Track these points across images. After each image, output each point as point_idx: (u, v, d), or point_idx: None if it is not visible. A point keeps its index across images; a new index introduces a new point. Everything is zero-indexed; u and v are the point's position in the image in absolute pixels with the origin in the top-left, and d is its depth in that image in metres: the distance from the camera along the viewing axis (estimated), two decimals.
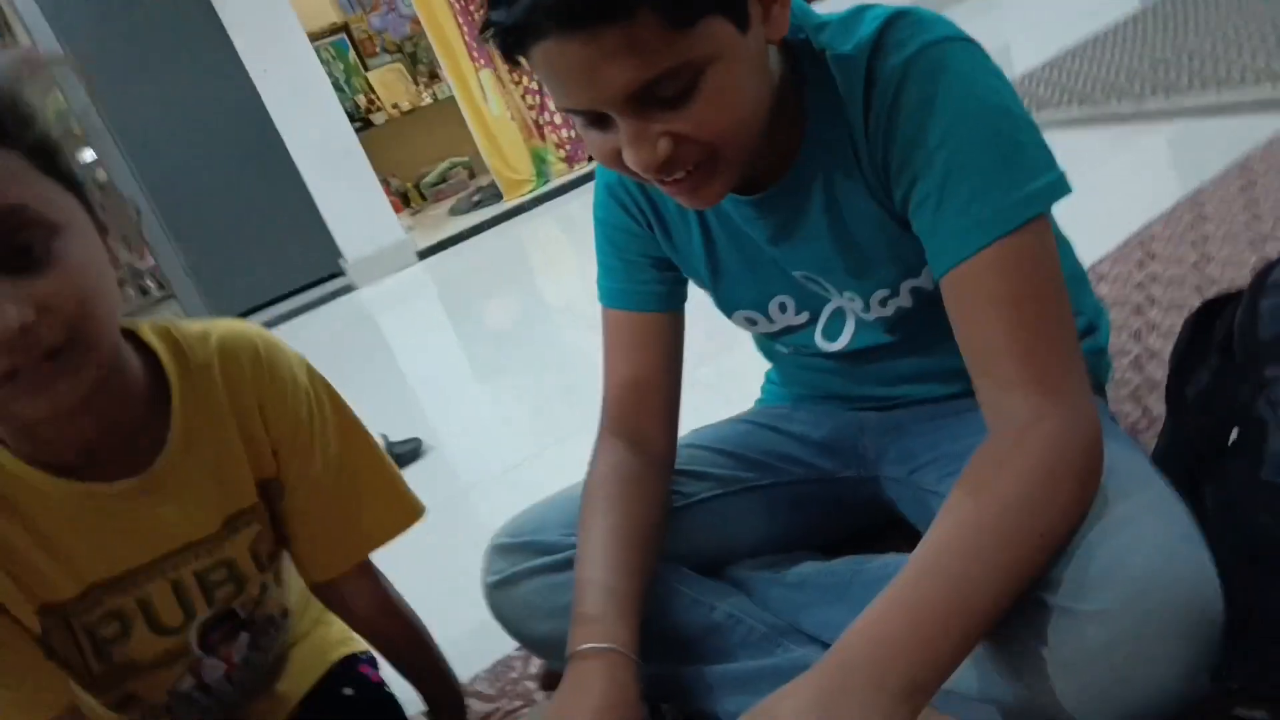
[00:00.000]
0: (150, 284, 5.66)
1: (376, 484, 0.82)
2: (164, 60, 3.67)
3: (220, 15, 3.48)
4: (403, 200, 4.97)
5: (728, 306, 0.88)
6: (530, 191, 4.09)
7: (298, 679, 0.90)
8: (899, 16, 0.69)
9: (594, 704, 0.68)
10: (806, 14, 0.72)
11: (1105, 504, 0.62)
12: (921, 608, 0.58)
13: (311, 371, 0.79)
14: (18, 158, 0.61)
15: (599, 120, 0.65)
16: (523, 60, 0.64)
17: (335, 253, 3.74)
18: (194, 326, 0.75)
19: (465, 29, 3.95)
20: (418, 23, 5.09)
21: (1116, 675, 0.57)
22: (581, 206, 3.78)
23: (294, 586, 0.88)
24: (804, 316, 0.85)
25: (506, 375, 2.19)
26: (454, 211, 4.44)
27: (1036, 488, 0.60)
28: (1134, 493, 0.63)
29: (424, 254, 3.86)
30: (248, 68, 3.51)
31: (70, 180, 0.64)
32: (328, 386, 0.80)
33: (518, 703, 0.98)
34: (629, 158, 0.65)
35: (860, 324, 0.83)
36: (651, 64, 0.60)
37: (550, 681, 0.98)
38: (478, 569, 0.90)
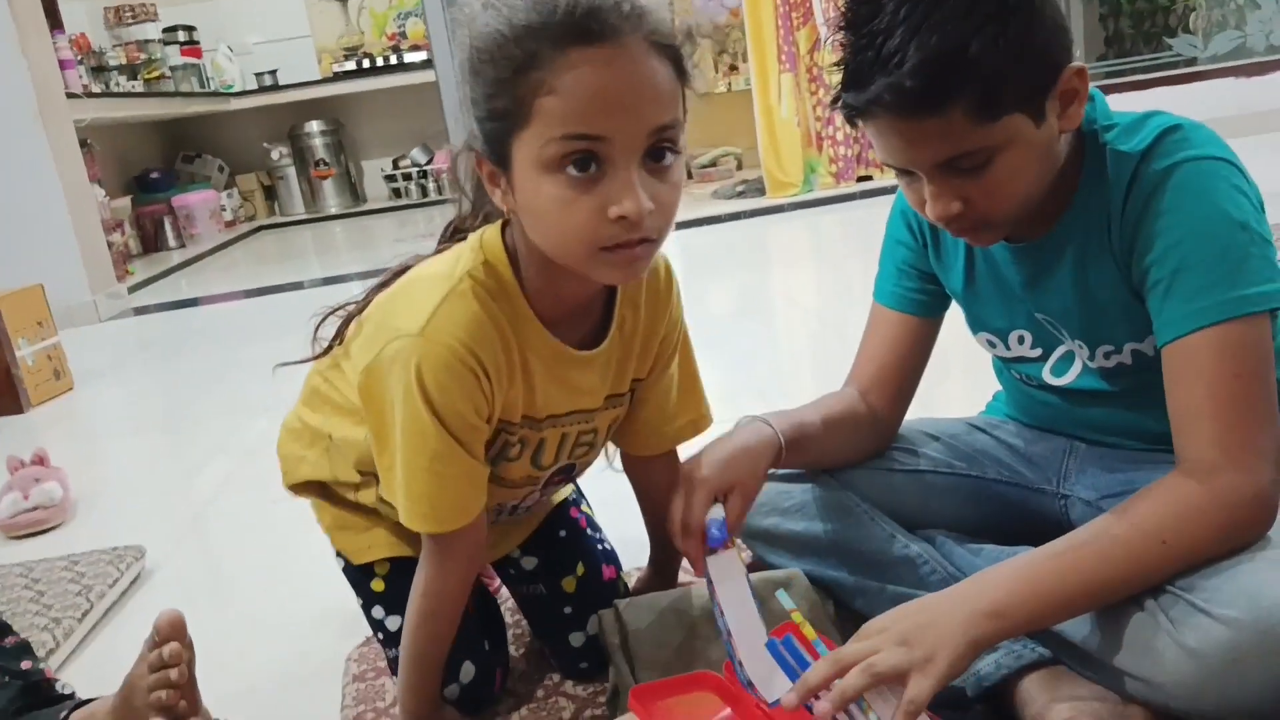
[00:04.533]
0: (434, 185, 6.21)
1: (691, 394, 1.04)
2: None
3: None
4: None
5: (975, 326, 1.06)
6: (793, 195, 4.28)
7: (533, 520, 1.12)
8: (1175, 129, 0.85)
9: (737, 441, 0.95)
10: (1105, 114, 0.90)
11: (1268, 544, 0.77)
12: (1036, 568, 0.78)
13: (679, 289, 0.98)
14: (679, 86, 0.76)
15: (910, 174, 0.86)
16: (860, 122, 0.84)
17: None
18: None
19: (782, 32, 4.18)
20: (735, 13, 5.38)
21: (1233, 670, 0.71)
22: (835, 222, 3.94)
23: None
24: (1037, 352, 1.01)
25: (713, 349, 2.40)
26: (717, 195, 4.70)
27: (1174, 521, 0.77)
28: None
29: (681, 225, 4.13)
30: None
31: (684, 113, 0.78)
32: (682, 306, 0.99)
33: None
34: (929, 209, 0.86)
35: (1085, 368, 0.98)
36: (956, 145, 0.80)
37: None
38: None
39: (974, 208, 0.84)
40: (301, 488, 1.07)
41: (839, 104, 0.85)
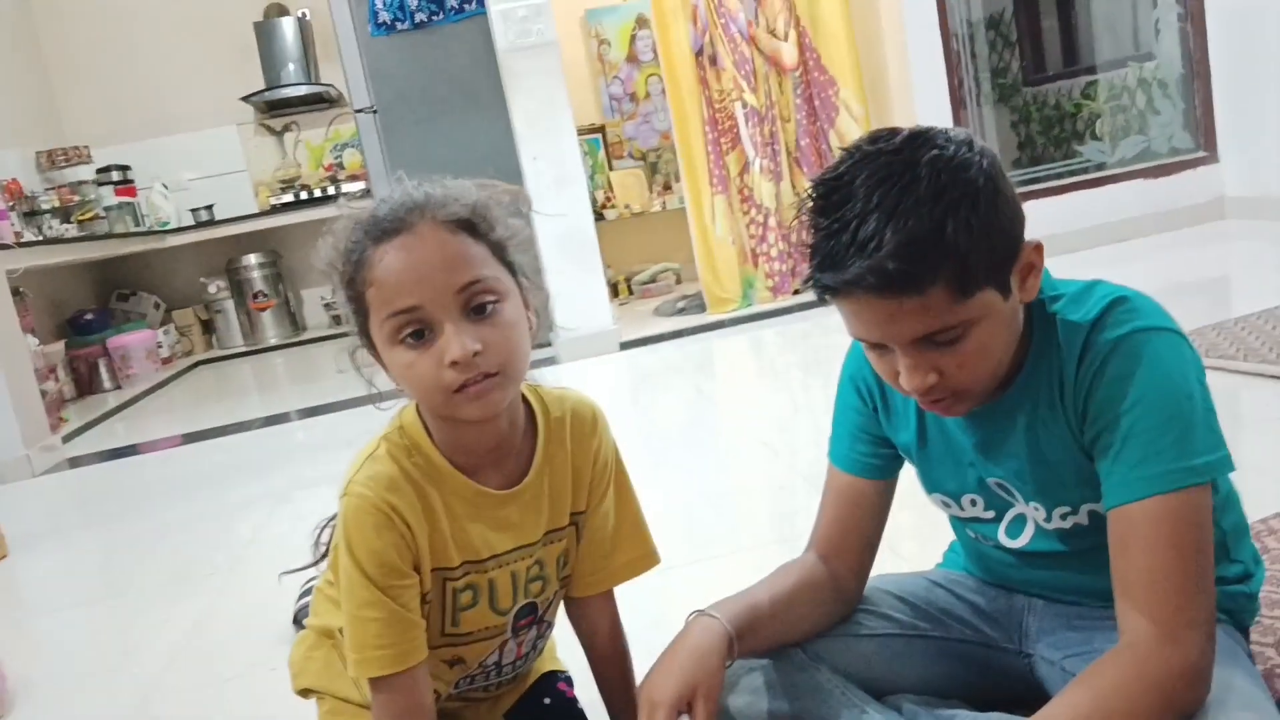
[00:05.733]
0: None
1: (632, 533, 1.08)
2: (452, 124, 4.21)
3: (509, 102, 3.96)
4: (611, 290, 5.34)
5: (928, 486, 1.08)
6: (733, 310, 4.37)
7: (520, 683, 1.14)
8: (1121, 301, 0.89)
9: (686, 645, 0.95)
10: (1049, 284, 0.94)
11: (1206, 713, 0.79)
12: None
13: (610, 432, 1.07)
14: (484, 248, 0.90)
15: (883, 348, 0.89)
16: (829, 299, 0.88)
17: (549, 326, 4.10)
18: (553, 390, 1.04)
19: (712, 157, 4.31)
20: (666, 137, 5.56)
21: None
22: (776, 334, 4.01)
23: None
24: (990, 514, 1.03)
25: (663, 472, 2.41)
26: (659, 312, 4.77)
27: (1111, 704, 0.80)
28: (1236, 710, 0.79)
29: (626, 345, 4.17)
30: (520, 151, 3.97)
31: (511, 268, 0.93)
32: (617, 447, 1.07)
33: None
34: (904, 381, 0.88)
35: (1039, 530, 1.00)
36: (935, 321, 0.83)
37: None
38: None
39: (949, 379, 0.87)
40: (308, 690, 1.12)
41: (811, 283, 0.88)
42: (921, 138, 0.85)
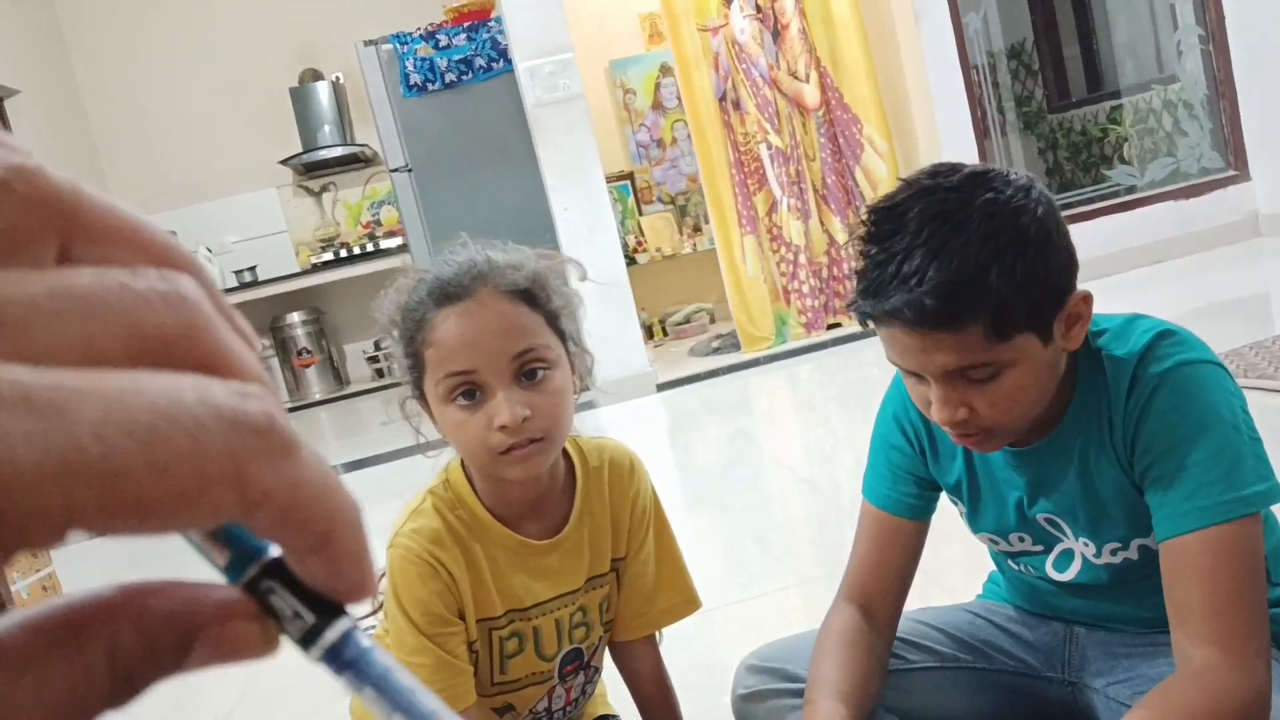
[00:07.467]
0: None
1: (672, 577, 1.11)
2: (485, 179, 4.30)
3: (539, 155, 4.06)
4: (646, 333, 5.40)
5: (974, 526, 1.09)
6: (767, 348, 4.40)
7: None
8: (1166, 335, 0.91)
9: None
10: (1092, 320, 0.95)
11: None
12: None
13: (648, 479, 1.10)
14: (539, 317, 0.95)
15: (919, 376, 0.91)
16: (872, 325, 0.90)
17: (591, 385, 4.15)
18: (591, 440, 1.07)
19: (740, 198, 4.38)
20: (693, 180, 5.63)
21: None
22: (811, 370, 4.04)
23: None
24: (1039, 547, 1.05)
25: (704, 511, 2.43)
26: (694, 352, 4.81)
27: None
28: None
29: (662, 386, 4.21)
30: (551, 202, 4.05)
31: (562, 335, 0.97)
32: (655, 494, 1.10)
33: None
34: (935, 412, 0.90)
35: (1087, 564, 1.01)
36: (967, 358, 0.85)
37: None
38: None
39: (978, 416, 0.88)
40: None
41: (854, 307, 0.90)
42: (981, 178, 0.86)
